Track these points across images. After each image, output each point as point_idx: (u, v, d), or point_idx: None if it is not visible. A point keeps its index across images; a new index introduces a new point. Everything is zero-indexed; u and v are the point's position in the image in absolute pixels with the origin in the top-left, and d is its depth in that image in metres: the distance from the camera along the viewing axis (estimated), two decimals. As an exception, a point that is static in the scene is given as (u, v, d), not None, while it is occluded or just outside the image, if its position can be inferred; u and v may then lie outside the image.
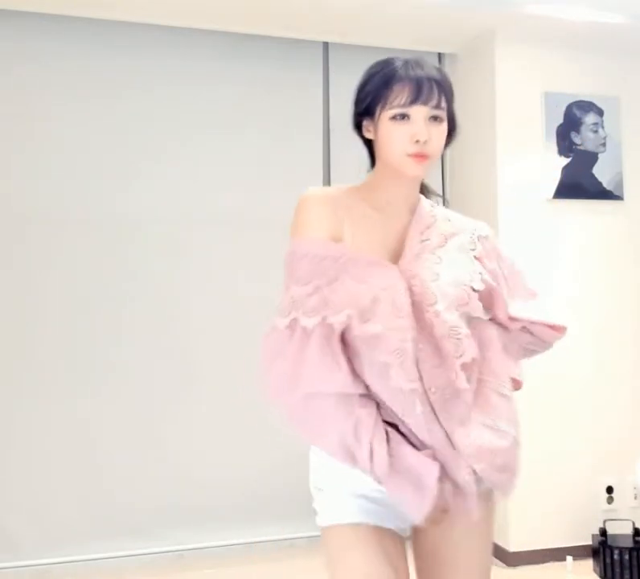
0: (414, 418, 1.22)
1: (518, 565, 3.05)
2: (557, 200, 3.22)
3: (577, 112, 3.26)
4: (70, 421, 3.05)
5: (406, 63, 1.28)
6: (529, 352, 1.51)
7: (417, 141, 1.24)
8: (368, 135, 1.33)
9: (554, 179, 3.21)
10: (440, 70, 1.31)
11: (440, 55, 3.64)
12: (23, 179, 3.09)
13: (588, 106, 3.27)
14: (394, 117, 1.26)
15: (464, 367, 1.26)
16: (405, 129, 1.25)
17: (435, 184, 3.37)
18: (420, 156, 1.25)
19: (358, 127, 1.35)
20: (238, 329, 3.25)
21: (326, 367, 1.20)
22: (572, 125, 3.25)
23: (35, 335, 3.06)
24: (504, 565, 3.06)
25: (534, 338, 1.46)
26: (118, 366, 3.13)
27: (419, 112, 1.25)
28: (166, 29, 3.22)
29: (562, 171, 3.22)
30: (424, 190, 1.42)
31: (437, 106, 1.26)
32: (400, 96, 1.25)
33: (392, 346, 1.21)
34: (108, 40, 3.19)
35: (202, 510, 3.14)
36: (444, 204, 1.49)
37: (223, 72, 3.33)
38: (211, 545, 3.16)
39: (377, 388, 1.23)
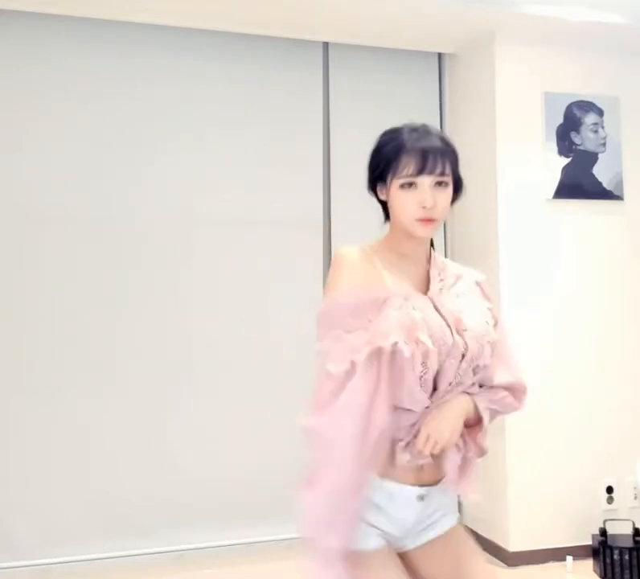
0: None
1: (518, 565, 3.05)
2: (557, 200, 3.22)
3: (577, 112, 3.26)
4: (70, 422, 3.05)
5: (413, 133, 1.42)
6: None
7: (424, 207, 1.39)
8: (382, 197, 1.49)
9: (554, 179, 3.21)
10: (444, 138, 1.45)
11: (440, 55, 3.64)
12: (24, 180, 3.09)
13: (588, 106, 3.27)
14: (402, 186, 1.41)
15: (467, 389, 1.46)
16: (413, 197, 1.40)
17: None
18: (427, 220, 1.41)
19: (373, 189, 1.50)
20: (239, 330, 3.26)
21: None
22: (572, 125, 3.25)
23: (37, 335, 3.06)
24: (504, 565, 3.06)
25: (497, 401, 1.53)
26: (118, 367, 3.13)
27: (425, 181, 1.40)
28: (166, 29, 3.22)
29: (562, 171, 3.22)
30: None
31: (442, 174, 1.41)
32: (407, 167, 1.39)
33: (418, 363, 1.36)
34: (108, 40, 3.19)
35: (202, 510, 3.14)
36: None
37: (223, 72, 3.33)
38: (211, 545, 3.16)
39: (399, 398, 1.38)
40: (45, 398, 3.04)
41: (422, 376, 1.36)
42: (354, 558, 1.38)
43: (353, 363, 1.32)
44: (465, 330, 1.41)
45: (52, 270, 3.09)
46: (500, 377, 1.49)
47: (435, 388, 1.40)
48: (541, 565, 3.05)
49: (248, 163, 3.33)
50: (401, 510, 1.44)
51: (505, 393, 1.51)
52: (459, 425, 1.41)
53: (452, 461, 1.43)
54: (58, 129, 3.13)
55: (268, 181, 3.34)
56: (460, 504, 3.44)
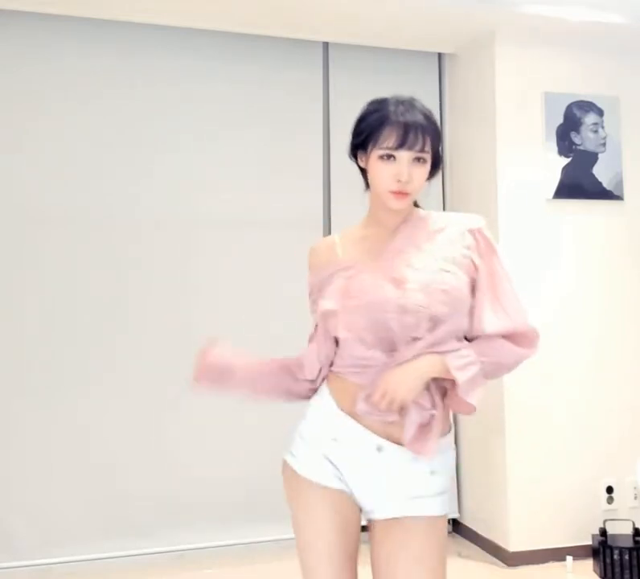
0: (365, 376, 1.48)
1: (518, 565, 3.05)
2: (557, 200, 3.22)
3: (577, 112, 3.26)
4: (70, 421, 3.05)
5: (399, 106, 1.45)
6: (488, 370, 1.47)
7: (399, 181, 1.43)
8: (362, 164, 1.52)
9: (554, 179, 3.21)
10: (427, 113, 1.47)
11: (440, 55, 3.64)
12: (24, 180, 3.09)
13: (588, 106, 3.27)
14: (382, 157, 1.44)
15: (414, 340, 1.43)
16: (390, 169, 1.43)
17: (435, 184, 3.40)
18: (401, 193, 1.44)
19: (354, 155, 1.53)
20: (239, 330, 3.25)
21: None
22: (572, 125, 3.25)
23: (37, 335, 3.07)
24: (504, 565, 3.06)
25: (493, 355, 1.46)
26: (118, 367, 3.14)
27: (404, 155, 1.43)
28: (166, 29, 3.23)
29: (562, 171, 3.22)
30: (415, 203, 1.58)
31: (421, 150, 1.43)
32: (388, 139, 1.42)
33: (343, 324, 1.46)
34: (108, 40, 3.19)
35: (202, 510, 3.14)
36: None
37: (223, 72, 3.33)
38: (211, 545, 3.16)
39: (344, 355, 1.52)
40: (45, 398, 3.04)
41: (359, 336, 1.44)
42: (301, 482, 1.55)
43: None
44: (407, 282, 1.41)
45: (52, 270, 3.09)
46: (491, 325, 1.43)
47: (396, 346, 1.43)
48: (541, 565, 3.05)
49: (248, 163, 3.33)
50: (358, 455, 1.46)
51: (502, 341, 1.44)
52: (416, 384, 1.39)
53: (411, 419, 1.42)
54: (58, 129, 3.13)
55: (268, 181, 3.34)
56: (459, 504, 3.45)
